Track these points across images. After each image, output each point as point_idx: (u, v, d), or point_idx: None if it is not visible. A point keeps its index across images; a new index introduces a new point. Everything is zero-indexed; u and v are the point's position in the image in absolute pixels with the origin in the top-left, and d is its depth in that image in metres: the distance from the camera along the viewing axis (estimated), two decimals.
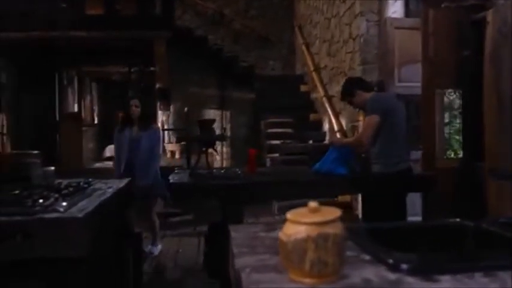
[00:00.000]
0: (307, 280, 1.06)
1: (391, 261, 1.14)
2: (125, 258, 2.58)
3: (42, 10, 6.96)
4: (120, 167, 4.50)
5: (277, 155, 7.51)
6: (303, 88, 8.32)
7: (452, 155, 4.77)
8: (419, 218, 4.68)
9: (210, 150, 3.79)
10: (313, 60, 7.76)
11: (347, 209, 5.76)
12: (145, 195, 4.36)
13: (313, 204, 1.08)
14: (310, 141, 7.42)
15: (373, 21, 5.60)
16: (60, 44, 8.58)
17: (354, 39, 5.87)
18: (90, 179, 2.74)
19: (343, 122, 6.31)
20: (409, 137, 4.21)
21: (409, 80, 5.24)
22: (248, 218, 5.55)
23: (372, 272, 1.12)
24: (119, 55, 10.10)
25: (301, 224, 1.06)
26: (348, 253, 1.31)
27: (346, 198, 6.04)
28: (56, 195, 2.14)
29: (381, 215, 3.32)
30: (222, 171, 4.06)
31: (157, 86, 8.72)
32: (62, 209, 1.96)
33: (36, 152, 3.06)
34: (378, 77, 5.57)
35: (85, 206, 2.07)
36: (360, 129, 3.68)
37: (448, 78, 4.43)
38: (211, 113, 9.13)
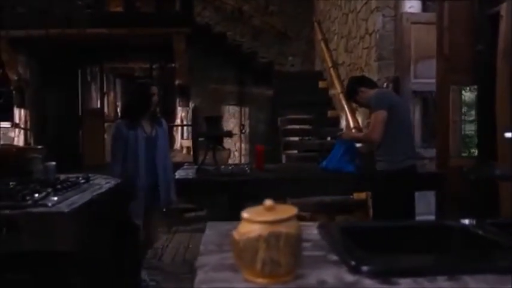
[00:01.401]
0: (260, 280, 1.03)
1: (353, 263, 1.10)
2: (123, 251, 2.59)
3: (61, 8, 7.05)
4: (138, 174, 3.40)
5: (295, 151, 7.47)
6: (321, 84, 8.23)
7: (467, 154, 4.64)
8: (433, 217, 4.60)
9: (223, 146, 3.77)
10: (331, 56, 7.66)
11: (362, 207, 5.69)
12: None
13: (268, 202, 1.05)
14: (329, 138, 7.35)
15: (390, 17, 5.48)
16: (81, 41, 8.69)
17: (370, 35, 5.77)
18: (90, 175, 2.76)
19: (360, 119, 6.22)
20: (413, 133, 4.13)
21: (426, 76, 5.11)
22: None
23: (331, 273, 1.09)
24: (140, 52, 10.18)
25: (253, 222, 1.03)
26: (316, 253, 1.28)
27: (362, 196, 5.96)
28: (49, 190, 2.16)
29: (389, 212, 3.27)
30: (230, 167, 4.05)
31: (177, 82, 8.76)
32: (50, 204, 1.97)
33: (40, 147, 3.08)
34: (394, 73, 5.47)
35: (75, 201, 2.08)
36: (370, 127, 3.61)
37: (463, 74, 4.30)
38: (230, 109, 9.13)
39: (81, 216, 1.99)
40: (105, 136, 12.03)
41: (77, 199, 2.11)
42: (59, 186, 2.24)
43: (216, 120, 3.76)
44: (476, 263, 1.10)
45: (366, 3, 5.92)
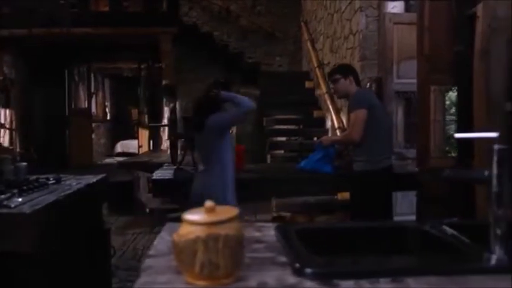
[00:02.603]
0: (200, 282, 1.01)
1: (297, 265, 1.09)
2: (93, 254, 2.56)
3: (45, 7, 7.00)
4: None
5: (282, 151, 7.46)
6: (308, 84, 8.23)
7: (447, 154, 4.65)
8: (414, 218, 4.61)
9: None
10: (317, 56, 7.66)
11: (345, 207, 5.69)
12: None
13: (209, 204, 1.04)
14: (315, 138, 7.35)
15: (373, 17, 5.49)
16: (67, 41, 8.64)
17: (354, 35, 5.77)
18: (61, 175, 2.73)
19: (344, 119, 6.22)
20: (396, 134, 4.13)
21: (408, 76, 5.12)
22: (245, 215, 5.53)
23: (274, 276, 1.07)
24: (128, 51, 10.15)
25: (192, 224, 1.01)
26: (267, 254, 1.26)
27: (346, 196, 5.95)
28: (15, 191, 2.13)
29: (366, 213, 3.26)
30: None
31: (164, 82, 8.73)
32: (13, 205, 1.95)
33: (11, 147, 3.05)
34: (377, 73, 5.47)
35: (40, 202, 2.05)
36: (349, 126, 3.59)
37: (444, 74, 4.30)
38: None
39: (45, 217, 1.96)
40: (93, 136, 11.99)
41: (42, 200, 2.08)
42: (25, 187, 2.21)
43: None
44: (419, 265, 1.09)
45: (350, 3, 5.92)
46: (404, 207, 5.11)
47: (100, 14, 8.53)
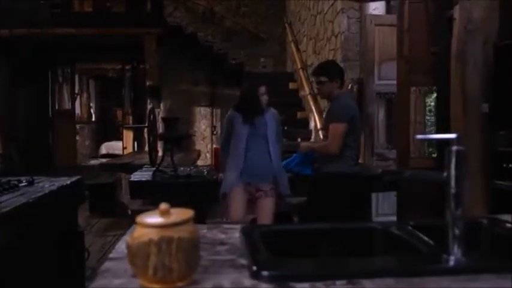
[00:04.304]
0: (153, 286, 1.00)
1: (254, 267, 1.08)
2: (66, 257, 2.53)
3: (24, 7, 6.93)
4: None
5: None
6: (292, 86, 8.25)
7: (427, 154, 4.69)
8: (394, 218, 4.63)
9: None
10: (301, 58, 7.68)
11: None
12: None
13: (164, 205, 1.02)
14: (299, 139, 7.36)
15: (355, 18, 5.52)
16: (50, 41, 8.56)
17: (336, 37, 5.80)
18: (35, 177, 2.70)
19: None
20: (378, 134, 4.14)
21: (389, 77, 5.14)
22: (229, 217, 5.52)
23: (230, 278, 1.06)
24: (112, 52, 10.07)
25: (145, 226, 1.00)
26: (227, 257, 1.25)
27: None
28: None
29: (340, 214, 3.26)
30: (189, 169, 4.01)
31: (148, 83, 8.68)
32: None
33: None
34: (359, 74, 5.50)
35: (8, 204, 2.02)
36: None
37: (423, 75, 4.34)
38: (201, 111, 9.08)
39: (13, 220, 1.93)
40: (77, 137, 11.89)
41: (11, 203, 2.05)
42: None
43: (173, 122, 3.72)
44: (377, 266, 1.09)
45: (332, 4, 5.94)
46: (386, 207, 5.14)
47: (83, 14, 8.45)
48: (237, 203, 3.46)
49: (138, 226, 1.02)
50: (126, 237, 1.43)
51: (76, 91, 12.12)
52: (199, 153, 7.70)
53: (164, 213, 1.02)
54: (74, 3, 8.47)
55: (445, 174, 1.13)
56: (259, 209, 3.58)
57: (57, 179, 2.82)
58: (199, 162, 7.50)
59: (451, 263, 1.10)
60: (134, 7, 8.68)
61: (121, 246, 1.34)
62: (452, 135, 1.16)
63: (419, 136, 3.46)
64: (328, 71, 3.64)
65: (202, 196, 3.52)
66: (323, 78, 3.58)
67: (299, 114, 7.67)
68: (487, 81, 3.19)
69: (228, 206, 3.49)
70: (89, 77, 14.30)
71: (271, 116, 3.75)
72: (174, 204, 1.15)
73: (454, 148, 1.12)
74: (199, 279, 1.04)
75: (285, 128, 7.43)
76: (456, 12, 3.36)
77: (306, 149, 3.81)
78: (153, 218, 1.01)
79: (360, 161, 3.96)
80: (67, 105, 11.29)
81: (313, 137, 7.00)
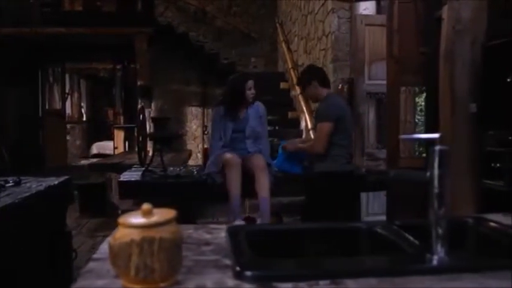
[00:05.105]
0: (136, 286, 0.99)
1: (237, 268, 1.07)
2: (54, 257, 2.51)
3: (14, 6, 6.88)
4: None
5: None
6: (283, 85, 8.25)
7: (417, 154, 4.70)
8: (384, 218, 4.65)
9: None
10: (292, 57, 7.68)
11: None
12: None
13: (146, 206, 1.02)
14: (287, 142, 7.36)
15: (345, 18, 5.52)
16: (40, 41, 8.51)
17: (326, 36, 5.80)
18: (22, 177, 2.68)
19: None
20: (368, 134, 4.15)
21: (380, 77, 5.16)
22: (220, 217, 5.50)
23: (213, 279, 1.06)
24: (103, 52, 10.03)
25: (127, 227, 0.99)
26: (212, 257, 1.25)
27: None
28: None
29: (330, 214, 3.27)
30: (179, 169, 4.00)
31: (139, 83, 8.65)
32: None
33: None
34: (350, 74, 5.51)
35: None
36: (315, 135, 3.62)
37: (413, 75, 4.36)
38: (192, 111, 9.06)
39: None
40: (68, 137, 11.83)
41: None
42: None
43: (163, 122, 3.71)
44: (360, 266, 1.09)
45: (323, 4, 5.95)
46: (376, 207, 5.16)
47: (74, 13, 8.41)
48: (228, 152, 3.45)
49: (121, 226, 1.01)
50: (109, 238, 1.43)
51: (67, 91, 12.05)
52: (190, 153, 7.69)
53: (146, 214, 1.01)
54: (64, 3, 8.43)
55: (428, 173, 1.13)
56: (249, 158, 3.59)
57: (45, 179, 2.80)
58: (191, 162, 7.49)
59: (434, 262, 1.11)
60: (125, 6, 8.66)
61: (104, 247, 1.33)
62: (436, 135, 1.16)
63: (402, 136, 3.48)
64: (303, 76, 3.78)
65: (191, 196, 3.50)
66: (301, 84, 3.69)
67: (290, 114, 7.67)
68: (475, 81, 3.20)
69: (223, 161, 3.50)
70: (80, 77, 14.23)
71: (255, 109, 3.84)
72: (163, 204, 1.15)
73: (437, 148, 1.12)
74: (182, 280, 1.04)
75: (276, 128, 7.46)
76: (445, 12, 3.38)
77: (292, 148, 3.83)
78: (135, 218, 1.00)
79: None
80: (58, 105, 11.21)
81: (303, 136, 7.00)
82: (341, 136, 3.46)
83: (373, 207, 5.20)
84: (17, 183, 2.54)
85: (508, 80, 2.85)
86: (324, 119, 3.46)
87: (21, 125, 9.53)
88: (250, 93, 3.73)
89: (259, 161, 3.53)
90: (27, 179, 2.71)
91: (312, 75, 3.67)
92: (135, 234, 0.97)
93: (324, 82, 3.68)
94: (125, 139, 9.97)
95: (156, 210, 1.03)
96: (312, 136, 5.83)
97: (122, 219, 1.01)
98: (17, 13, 6.94)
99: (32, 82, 9.94)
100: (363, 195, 4.64)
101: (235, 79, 3.86)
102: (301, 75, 3.83)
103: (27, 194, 2.25)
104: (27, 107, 9.75)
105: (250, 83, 3.74)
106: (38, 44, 8.87)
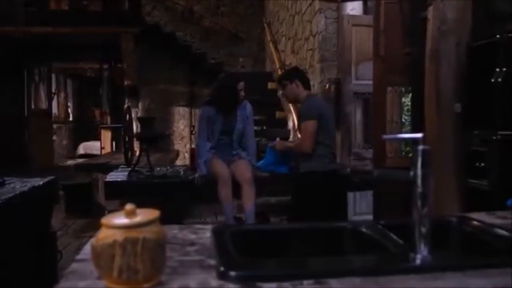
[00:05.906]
0: (119, 287, 0.99)
1: (221, 268, 1.07)
2: (38, 258, 2.49)
3: None
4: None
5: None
6: (270, 85, 8.25)
7: (404, 154, 4.73)
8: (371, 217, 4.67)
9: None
10: (279, 57, 7.70)
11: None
12: None
13: (129, 206, 1.01)
14: (278, 139, 7.37)
15: (332, 18, 5.54)
16: (25, 40, 8.42)
17: (314, 37, 5.82)
18: (6, 178, 2.64)
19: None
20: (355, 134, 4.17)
21: (366, 77, 5.18)
22: (207, 217, 5.49)
23: (197, 279, 1.05)
24: (90, 51, 9.97)
25: (110, 227, 0.99)
26: (196, 257, 1.24)
27: None
28: None
29: (316, 213, 3.27)
30: (165, 169, 3.98)
31: (126, 82, 8.61)
32: None
33: None
34: (337, 74, 5.52)
35: None
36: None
37: (399, 75, 4.38)
38: (180, 110, 9.03)
39: None
40: (54, 137, 11.73)
41: None
42: None
43: (149, 122, 3.69)
44: (344, 266, 1.10)
45: (310, 4, 5.96)
46: (363, 206, 5.18)
47: (60, 13, 8.35)
48: (218, 162, 3.60)
49: (104, 227, 1.00)
50: (93, 239, 1.42)
51: (53, 90, 11.95)
52: (177, 153, 7.66)
53: (129, 214, 1.00)
54: (50, 2, 8.36)
55: (411, 173, 1.14)
56: (236, 167, 3.70)
57: (29, 180, 2.77)
58: (178, 162, 7.46)
59: (417, 261, 1.11)
60: (111, 6, 8.62)
61: (88, 248, 1.32)
62: (419, 135, 1.16)
63: (386, 136, 3.51)
64: (286, 74, 3.87)
65: (178, 196, 3.49)
66: (283, 82, 3.72)
67: (278, 114, 7.68)
68: (460, 81, 3.23)
69: (213, 172, 3.62)
70: (66, 76, 14.12)
71: (243, 109, 3.92)
72: (150, 204, 1.14)
73: (420, 147, 1.13)
74: (166, 280, 1.03)
75: (264, 128, 7.46)
76: (430, 13, 3.40)
77: (281, 147, 3.85)
78: (118, 219, 1.00)
79: (337, 160, 4.00)
80: (44, 104, 11.12)
81: (291, 136, 7.02)
82: (325, 135, 3.49)
83: (361, 207, 5.22)
84: (1, 184, 2.51)
85: (493, 80, 2.88)
86: (307, 118, 3.50)
87: (6, 125, 9.42)
88: (241, 94, 3.80)
89: (245, 173, 3.60)
90: (11, 180, 2.68)
91: (296, 75, 3.73)
92: (118, 235, 0.97)
93: (306, 84, 3.73)
94: (112, 139, 9.91)
95: (139, 211, 1.02)
96: (299, 136, 5.85)
97: (105, 220, 1.00)
98: (1, 12, 6.86)
99: (17, 82, 9.85)
100: (350, 194, 4.65)
101: (229, 79, 3.91)
102: (285, 72, 3.87)
103: (10, 195, 2.23)
104: (12, 107, 9.65)
105: (242, 84, 3.83)
106: (24, 44, 8.79)
